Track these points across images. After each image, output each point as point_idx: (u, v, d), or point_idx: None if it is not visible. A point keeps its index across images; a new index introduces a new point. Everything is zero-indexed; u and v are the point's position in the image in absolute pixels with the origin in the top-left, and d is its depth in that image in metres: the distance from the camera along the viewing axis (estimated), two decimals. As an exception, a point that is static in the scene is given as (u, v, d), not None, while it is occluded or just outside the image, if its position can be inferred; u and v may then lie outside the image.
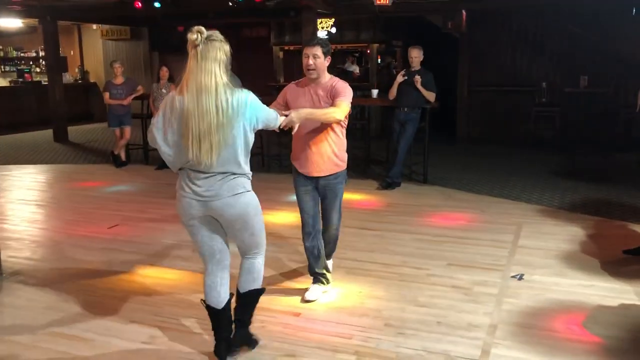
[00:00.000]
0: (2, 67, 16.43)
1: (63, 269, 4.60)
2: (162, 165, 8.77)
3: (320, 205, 3.94)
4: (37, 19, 11.95)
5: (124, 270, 4.54)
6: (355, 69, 14.75)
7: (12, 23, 14.31)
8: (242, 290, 3.19)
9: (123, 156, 9.10)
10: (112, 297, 4.01)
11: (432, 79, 7.16)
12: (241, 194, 2.93)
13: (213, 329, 3.16)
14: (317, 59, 3.62)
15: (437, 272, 4.40)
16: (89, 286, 4.23)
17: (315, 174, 3.76)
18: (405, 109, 7.22)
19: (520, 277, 4.28)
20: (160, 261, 4.74)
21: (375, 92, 8.17)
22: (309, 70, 3.64)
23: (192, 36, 2.74)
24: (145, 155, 9.35)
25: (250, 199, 2.99)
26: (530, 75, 10.70)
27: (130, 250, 5.02)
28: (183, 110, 2.78)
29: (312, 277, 4.02)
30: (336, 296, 4.00)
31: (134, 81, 9.12)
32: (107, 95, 8.76)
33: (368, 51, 13.16)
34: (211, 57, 2.75)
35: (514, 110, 10.78)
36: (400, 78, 7.20)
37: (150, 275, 4.44)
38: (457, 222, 5.76)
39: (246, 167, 2.94)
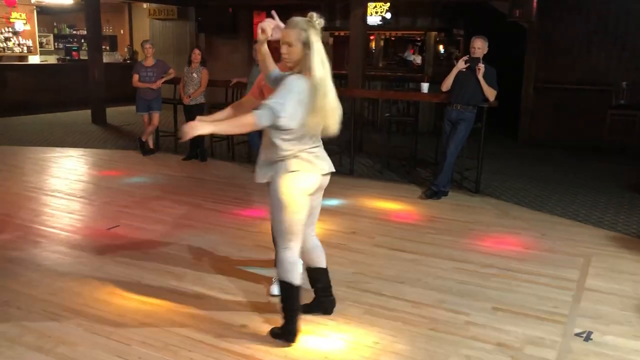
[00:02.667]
0: (56, 44, 16.35)
1: (31, 278, 3.97)
2: (189, 155, 8.16)
3: None
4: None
5: (101, 288, 3.85)
6: (416, 58, 13.74)
7: (65, 0, 14.06)
8: None
9: (151, 144, 8.51)
10: (76, 325, 3.33)
11: (495, 75, 6.16)
12: None
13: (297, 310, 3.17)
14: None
15: (479, 320, 3.50)
16: (51, 305, 3.56)
17: None
18: (459, 106, 6.25)
19: (588, 337, 3.32)
20: (148, 278, 4.03)
21: (425, 86, 7.19)
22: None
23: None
24: (175, 143, 8.74)
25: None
26: (608, 73, 9.41)
27: (120, 261, 4.34)
28: None
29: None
30: (344, 346, 3.17)
31: (165, 63, 8.48)
32: (136, 77, 8.17)
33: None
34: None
35: (587, 112, 9.53)
36: (461, 64, 6.19)
37: (130, 297, 3.74)
38: (511, 248, 4.80)
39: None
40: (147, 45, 8.19)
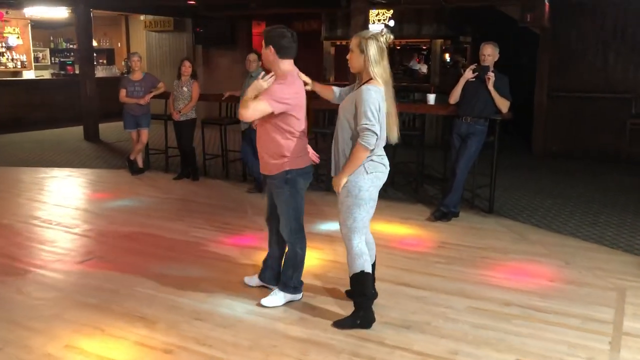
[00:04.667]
0: (52, 58, 15.95)
1: (-11, 329, 3.45)
2: (181, 174, 7.65)
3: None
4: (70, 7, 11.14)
5: (57, 339, 3.30)
6: (422, 67, 13.27)
7: (61, 13, 13.64)
8: None
9: (140, 162, 7.99)
10: (19, 392, 2.80)
11: (508, 84, 5.61)
12: None
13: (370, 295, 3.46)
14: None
15: (500, 378, 2.94)
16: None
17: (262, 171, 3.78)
18: (469, 119, 5.70)
19: (634, 401, 2.75)
20: (114, 326, 3.48)
21: (432, 97, 6.64)
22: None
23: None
24: (166, 162, 8.22)
25: None
26: (626, 80, 8.85)
27: (84, 304, 3.79)
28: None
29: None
30: (339, 419, 2.62)
31: (155, 77, 8.00)
32: (123, 92, 7.67)
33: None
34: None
35: (604, 121, 8.96)
36: (469, 74, 5.63)
37: (88, 352, 3.18)
38: (532, 281, 4.22)
39: None
40: (135, 58, 7.71)
